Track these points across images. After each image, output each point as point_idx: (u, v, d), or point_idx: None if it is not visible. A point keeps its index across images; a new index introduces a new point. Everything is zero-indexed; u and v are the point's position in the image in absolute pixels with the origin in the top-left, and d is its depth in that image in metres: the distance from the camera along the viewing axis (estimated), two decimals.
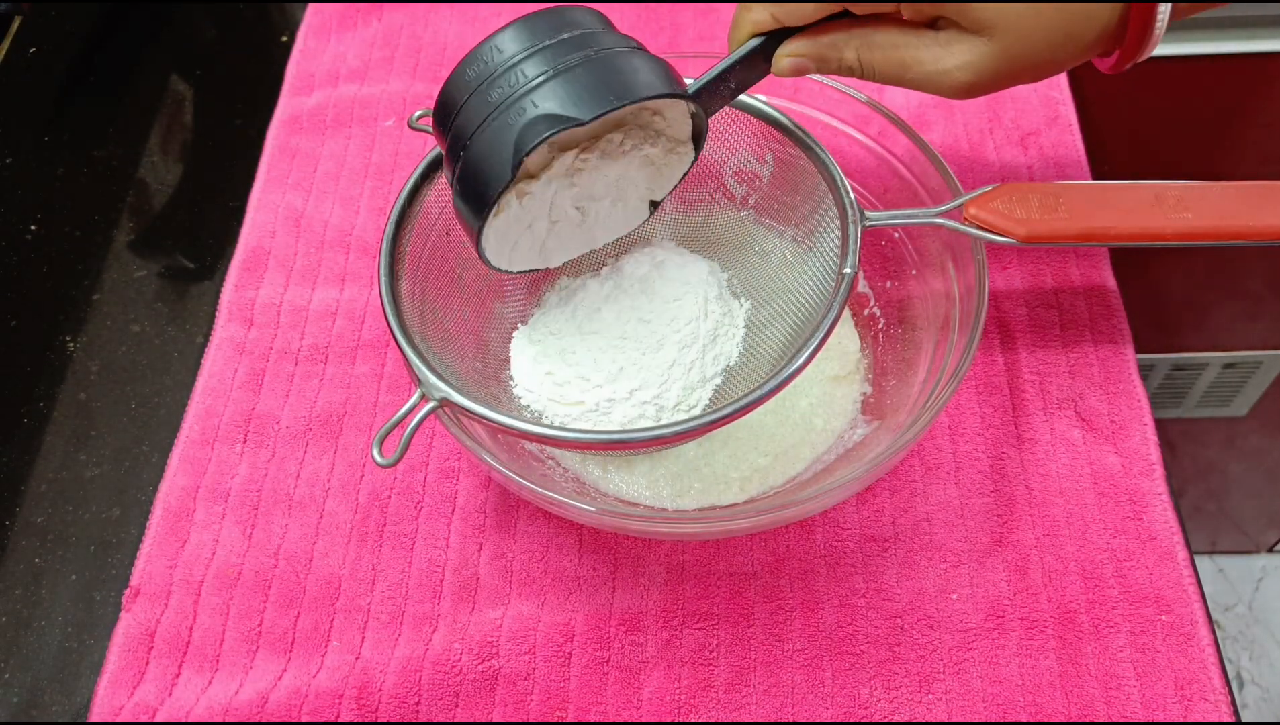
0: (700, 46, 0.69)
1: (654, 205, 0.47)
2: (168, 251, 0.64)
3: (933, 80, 0.41)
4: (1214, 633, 0.46)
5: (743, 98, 0.48)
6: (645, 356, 0.46)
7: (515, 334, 0.50)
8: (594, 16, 0.41)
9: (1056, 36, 0.40)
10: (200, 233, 0.65)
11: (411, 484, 0.52)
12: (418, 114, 0.49)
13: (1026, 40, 0.39)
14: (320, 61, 0.70)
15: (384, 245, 0.45)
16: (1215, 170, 0.82)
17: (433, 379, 0.42)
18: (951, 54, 0.40)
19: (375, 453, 0.40)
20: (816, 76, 0.53)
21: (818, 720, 0.45)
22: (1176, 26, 0.73)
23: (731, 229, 0.54)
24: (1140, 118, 0.79)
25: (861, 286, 0.55)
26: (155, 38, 0.75)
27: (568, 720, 0.46)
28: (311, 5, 0.73)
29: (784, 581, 0.48)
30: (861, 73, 0.42)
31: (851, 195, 0.46)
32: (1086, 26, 0.40)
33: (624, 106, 0.38)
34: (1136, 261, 0.84)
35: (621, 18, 0.70)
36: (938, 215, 0.47)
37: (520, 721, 0.46)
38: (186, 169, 0.68)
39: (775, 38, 0.43)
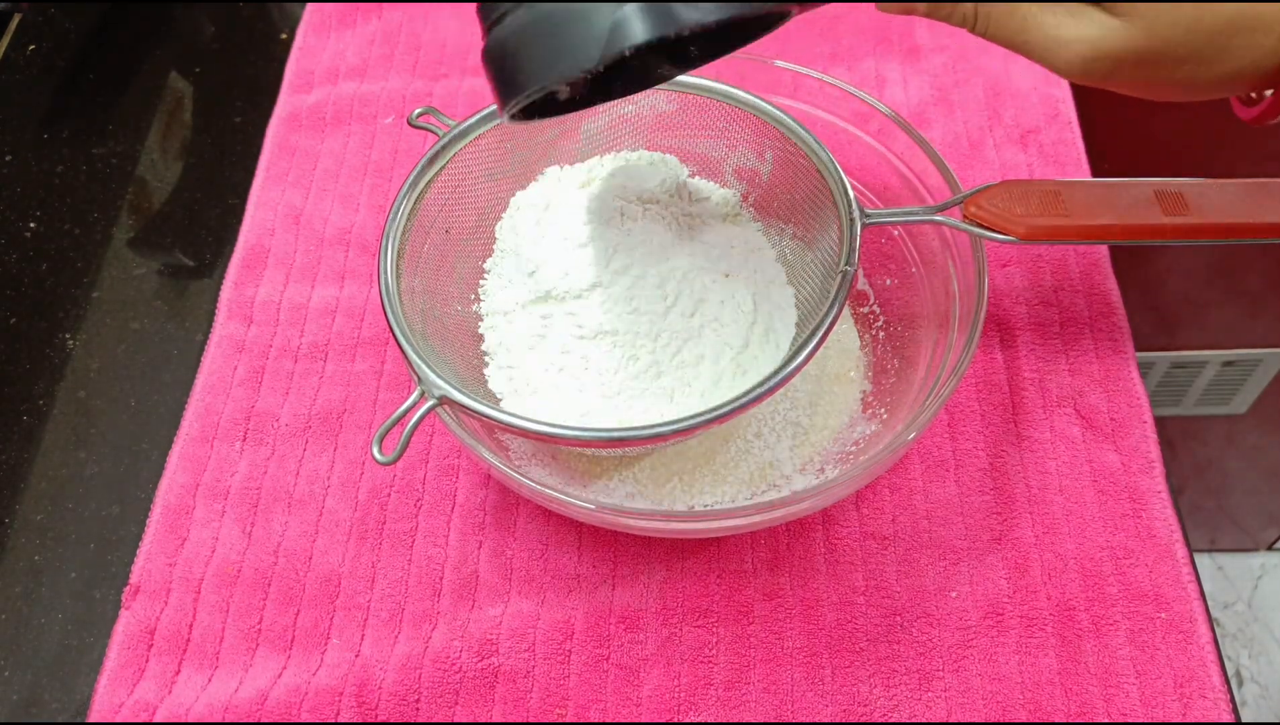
0: None
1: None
2: (167, 249, 0.64)
3: (1049, 49, 0.37)
4: (1213, 630, 0.46)
5: (742, 95, 0.48)
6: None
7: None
8: None
9: (1207, 50, 0.35)
10: (200, 230, 0.65)
11: (411, 482, 0.52)
12: (417, 111, 0.49)
13: (1166, 41, 0.35)
14: (320, 59, 0.70)
15: (384, 243, 0.45)
16: (1215, 168, 0.82)
17: (432, 376, 0.42)
18: (1077, 25, 0.36)
19: (375, 450, 0.40)
20: (816, 74, 0.53)
21: (817, 718, 0.45)
22: None
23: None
24: (1140, 116, 0.79)
25: (861, 284, 0.55)
26: (155, 35, 0.75)
27: (568, 718, 0.46)
28: (311, 4, 0.73)
29: (783, 579, 0.48)
30: (975, 25, 0.38)
31: (851, 193, 0.46)
32: (1250, 48, 0.34)
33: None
34: (1136, 259, 0.84)
35: None
36: (937, 213, 0.47)
37: (520, 721, 0.46)
38: (186, 166, 0.68)
39: None
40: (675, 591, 0.48)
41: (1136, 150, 0.81)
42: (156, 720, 0.46)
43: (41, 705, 0.48)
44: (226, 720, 0.46)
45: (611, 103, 0.50)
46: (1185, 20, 0.35)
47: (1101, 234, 0.46)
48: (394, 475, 0.52)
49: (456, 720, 0.46)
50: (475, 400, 0.41)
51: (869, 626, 0.47)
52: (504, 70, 0.36)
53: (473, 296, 0.49)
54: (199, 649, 0.48)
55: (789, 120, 0.48)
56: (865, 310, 0.55)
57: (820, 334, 0.42)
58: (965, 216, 0.47)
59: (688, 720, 0.45)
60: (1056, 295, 0.56)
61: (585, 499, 0.47)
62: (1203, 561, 1.39)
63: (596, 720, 0.46)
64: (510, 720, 0.46)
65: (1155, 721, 0.44)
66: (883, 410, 0.50)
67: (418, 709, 0.46)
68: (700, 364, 0.45)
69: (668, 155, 0.49)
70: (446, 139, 0.48)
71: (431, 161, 0.47)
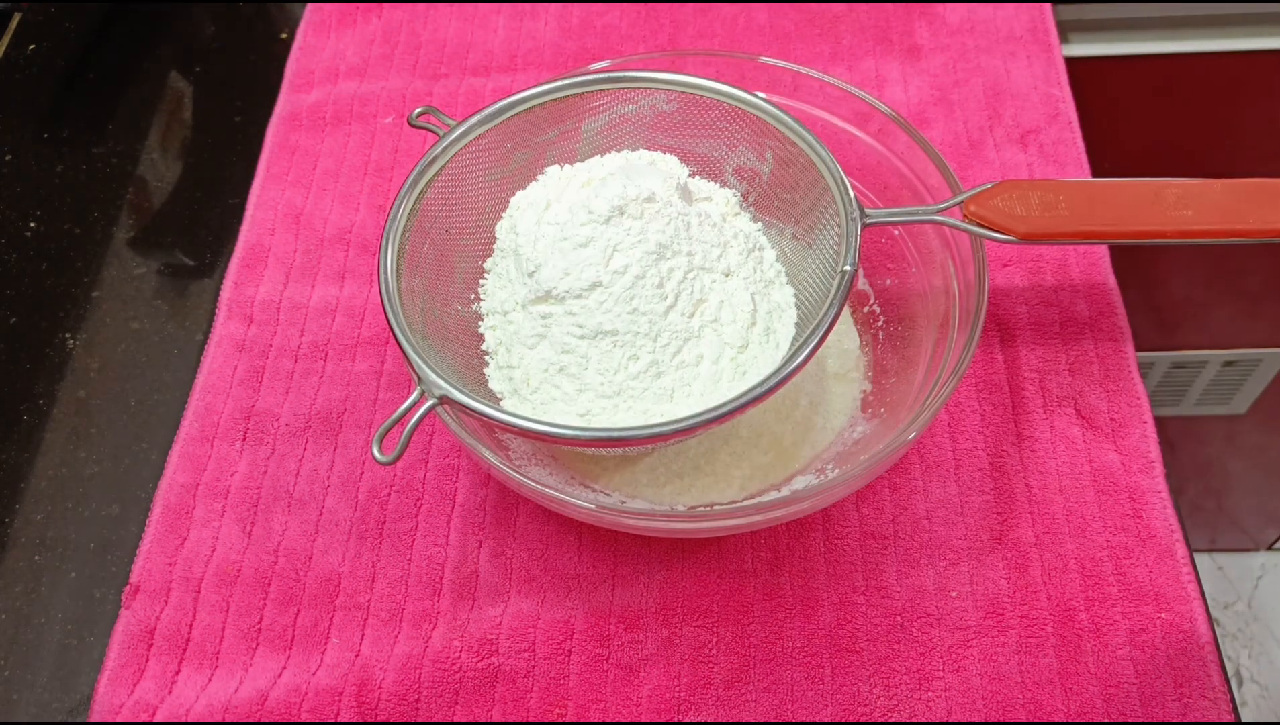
0: (700, 44, 0.69)
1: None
2: (167, 248, 0.64)
3: None
4: (1213, 630, 0.46)
5: (742, 94, 0.48)
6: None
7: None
8: None
9: None
10: (200, 230, 0.65)
11: (411, 481, 0.52)
12: (417, 111, 0.49)
13: None
14: (320, 58, 0.70)
15: (384, 242, 0.45)
16: (1215, 168, 0.83)
17: (432, 376, 0.42)
18: None
19: (375, 450, 0.40)
20: (816, 74, 0.53)
21: (817, 718, 0.45)
22: (1176, 24, 0.73)
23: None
24: (1140, 116, 0.79)
25: (861, 284, 0.55)
26: (155, 35, 0.75)
27: (568, 718, 0.46)
28: (311, 4, 0.73)
29: (783, 579, 0.48)
30: None
31: (851, 193, 0.46)
32: None
33: None
34: (1136, 259, 0.84)
35: (621, 17, 0.70)
36: (937, 213, 0.47)
37: (520, 721, 0.46)
38: (186, 166, 0.68)
39: None
40: (675, 591, 0.48)
41: (1136, 150, 0.81)
42: (156, 720, 0.46)
43: (41, 705, 0.48)
44: (226, 720, 0.46)
45: (611, 103, 0.50)
46: None
47: (1101, 234, 0.46)
48: (394, 475, 0.52)
49: (456, 720, 0.46)
50: (475, 400, 0.41)
51: (869, 626, 0.47)
52: None
53: (473, 296, 0.49)
54: (199, 649, 0.48)
55: (789, 120, 0.48)
56: (865, 310, 0.55)
57: (820, 334, 0.42)
58: (965, 216, 0.47)
59: (688, 720, 0.45)
60: (1056, 295, 0.56)
61: (585, 499, 0.47)
62: (1203, 561, 1.39)
63: (596, 720, 0.46)
64: (510, 720, 0.46)
65: (1155, 721, 0.44)
66: (883, 410, 0.50)
67: (417, 709, 0.46)
68: (700, 364, 0.45)
69: (668, 155, 0.49)
70: (447, 139, 0.48)
71: (431, 161, 0.47)
